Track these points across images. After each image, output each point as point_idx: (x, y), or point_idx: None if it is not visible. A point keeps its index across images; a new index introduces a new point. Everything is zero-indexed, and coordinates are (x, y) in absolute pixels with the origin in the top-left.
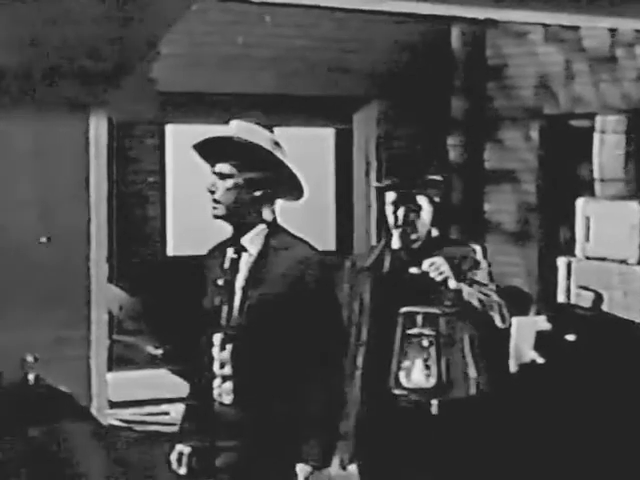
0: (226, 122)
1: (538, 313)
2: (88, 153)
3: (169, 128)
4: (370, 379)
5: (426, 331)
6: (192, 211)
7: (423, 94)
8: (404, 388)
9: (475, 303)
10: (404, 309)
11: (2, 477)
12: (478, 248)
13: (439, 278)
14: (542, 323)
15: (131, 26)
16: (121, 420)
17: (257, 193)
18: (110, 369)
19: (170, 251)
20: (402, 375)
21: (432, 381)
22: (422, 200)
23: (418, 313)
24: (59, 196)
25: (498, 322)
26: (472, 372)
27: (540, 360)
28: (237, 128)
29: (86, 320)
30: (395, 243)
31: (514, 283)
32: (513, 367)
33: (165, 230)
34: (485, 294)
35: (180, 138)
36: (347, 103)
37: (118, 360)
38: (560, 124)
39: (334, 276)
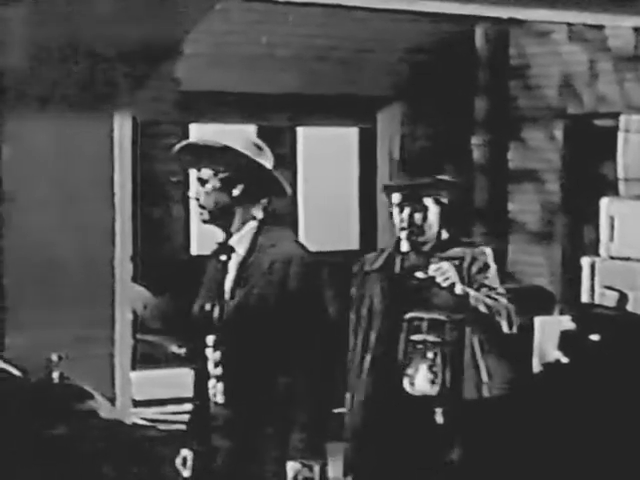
0: (249, 121)
1: (562, 313)
2: (112, 153)
3: (193, 128)
4: (376, 384)
5: (431, 338)
6: None
7: (446, 94)
8: (408, 395)
9: (482, 308)
10: (409, 315)
11: (28, 475)
12: (488, 250)
13: (445, 284)
14: (566, 323)
15: (155, 26)
16: (144, 419)
17: (235, 193)
18: (134, 368)
19: (194, 250)
20: (406, 382)
21: (436, 388)
22: (428, 201)
23: (423, 319)
24: (84, 195)
25: (505, 327)
26: (484, 376)
27: (564, 360)
28: (211, 133)
29: (110, 319)
30: (403, 246)
31: (538, 283)
32: (536, 367)
33: (189, 229)
34: (493, 298)
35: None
36: (371, 102)
37: (142, 359)
38: (584, 124)
39: (319, 275)
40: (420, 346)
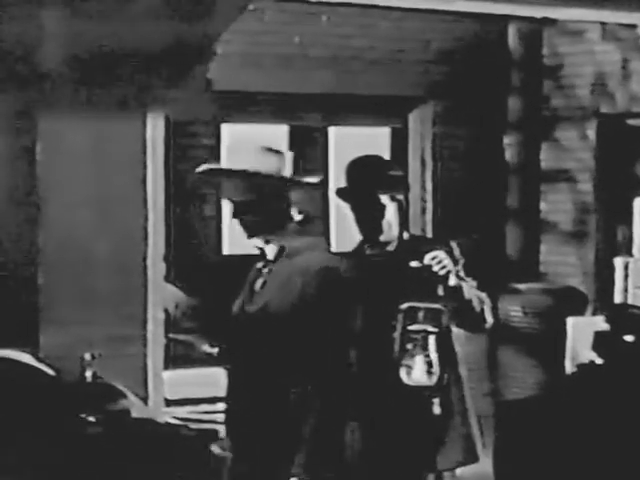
0: (281, 121)
1: (595, 313)
2: (145, 153)
3: (225, 127)
4: (373, 375)
5: (429, 327)
6: None
7: (479, 93)
8: (405, 386)
9: (475, 302)
10: (406, 304)
11: (61, 474)
12: (454, 244)
13: (442, 272)
14: (600, 323)
15: (188, 26)
16: (177, 418)
17: (252, 204)
18: (166, 367)
19: (226, 250)
20: (403, 372)
21: (434, 379)
22: (385, 199)
23: (420, 309)
24: (116, 195)
25: (489, 320)
26: (463, 371)
27: (599, 361)
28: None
29: (143, 318)
30: (366, 248)
31: (570, 283)
32: (570, 368)
33: (221, 229)
34: (478, 292)
35: (236, 137)
36: (403, 102)
37: (174, 358)
38: (617, 123)
39: (335, 289)
40: (417, 336)
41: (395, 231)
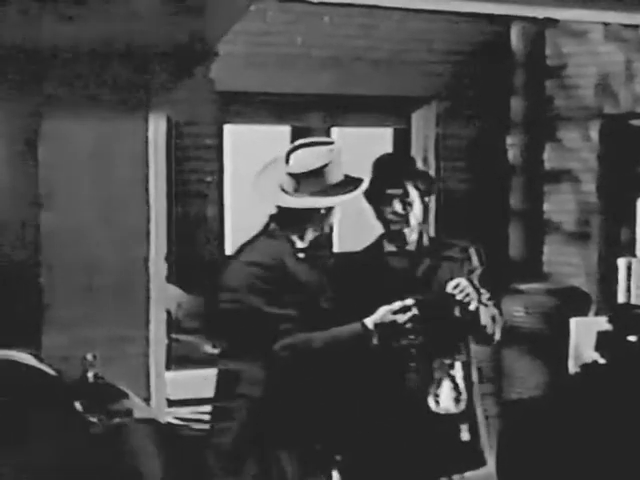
0: (283, 122)
1: (598, 314)
2: (147, 153)
3: (227, 128)
4: (401, 403)
5: (456, 355)
6: (250, 211)
7: (482, 93)
8: (433, 413)
9: (489, 326)
10: None
11: (63, 475)
12: (473, 250)
13: (466, 300)
14: (603, 324)
15: (190, 26)
16: (179, 418)
17: None
18: (169, 368)
19: (228, 250)
20: (431, 400)
21: (461, 406)
22: (413, 193)
23: None
24: (119, 195)
25: (497, 337)
26: (475, 377)
27: (601, 361)
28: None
29: (145, 319)
30: (389, 245)
31: (574, 283)
32: (573, 368)
33: (223, 230)
34: (492, 308)
35: (239, 138)
36: (406, 103)
37: (177, 359)
38: (620, 123)
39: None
40: (445, 362)
41: (418, 225)
